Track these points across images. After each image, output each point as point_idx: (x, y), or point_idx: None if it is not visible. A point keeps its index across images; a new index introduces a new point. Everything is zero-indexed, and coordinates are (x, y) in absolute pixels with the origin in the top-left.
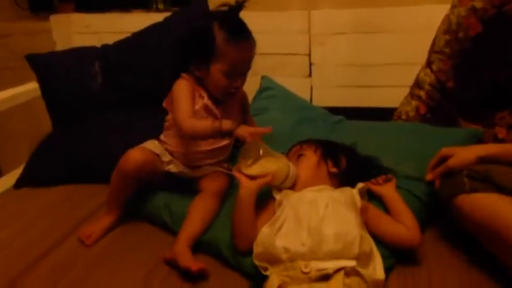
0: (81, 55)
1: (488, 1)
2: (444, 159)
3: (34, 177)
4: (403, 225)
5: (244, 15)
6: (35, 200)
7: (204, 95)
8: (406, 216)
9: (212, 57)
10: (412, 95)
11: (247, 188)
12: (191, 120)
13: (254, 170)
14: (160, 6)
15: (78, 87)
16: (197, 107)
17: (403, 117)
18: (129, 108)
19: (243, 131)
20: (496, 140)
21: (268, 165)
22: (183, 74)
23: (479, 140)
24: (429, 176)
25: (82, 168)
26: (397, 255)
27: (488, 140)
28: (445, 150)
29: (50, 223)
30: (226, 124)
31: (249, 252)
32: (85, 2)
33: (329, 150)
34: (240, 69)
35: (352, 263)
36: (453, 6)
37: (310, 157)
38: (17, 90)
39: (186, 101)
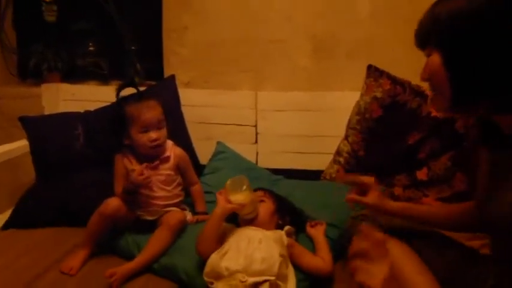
0: (67, 119)
1: (385, 92)
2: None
3: (20, 220)
4: (321, 259)
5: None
6: (20, 240)
7: (133, 161)
8: (324, 252)
9: (129, 125)
10: (334, 160)
11: (223, 207)
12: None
13: (234, 197)
14: (136, 80)
15: (63, 146)
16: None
17: (328, 177)
18: (106, 166)
19: None
20: (393, 196)
21: (244, 197)
22: (117, 154)
23: None
24: (348, 197)
25: (62, 214)
26: (312, 280)
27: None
28: (365, 179)
29: (33, 259)
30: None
31: (204, 260)
32: (70, 73)
33: (282, 206)
34: (149, 125)
35: (273, 278)
36: (362, 95)
37: (269, 205)
38: (8, 147)
39: (116, 179)
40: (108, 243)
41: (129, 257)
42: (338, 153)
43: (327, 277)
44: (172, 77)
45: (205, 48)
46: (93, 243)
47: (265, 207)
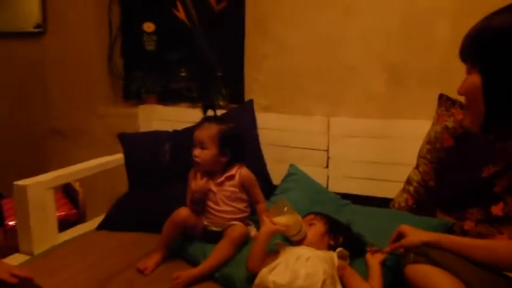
0: (157, 136)
1: (457, 122)
2: (401, 235)
3: (110, 223)
4: (370, 286)
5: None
6: (109, 241)
7: (198, 175)
8: (375, 281)
9: None
10: (404, 189)
11: (268, 229)
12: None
13: (278, 219)
14: (222, 103)
15: (151, 161)
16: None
17: (396, 206)
18: (188, 180)
19: None
20: (463, 231)
21: (288, 219)
22: (191, 170)
23: (449, 230)
24: (387, 249)
25: (147, 221)
26: None
27: (456, 231)
28: (401, 228)
29: (117, 258)
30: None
31: (254, 274)
32: (165, 96)
33: (333, 227)
34: (195, 141)
35: None
36: (433, 124)
37: (319, 227)
38: (108, 159)
39: (188, 191)
40: (179, 250)
41: (195, 264)
42: (408, 182)
43: None
44: (251, 102)
45: (282, 75)
46: (166, 248)
47: (315, 229)
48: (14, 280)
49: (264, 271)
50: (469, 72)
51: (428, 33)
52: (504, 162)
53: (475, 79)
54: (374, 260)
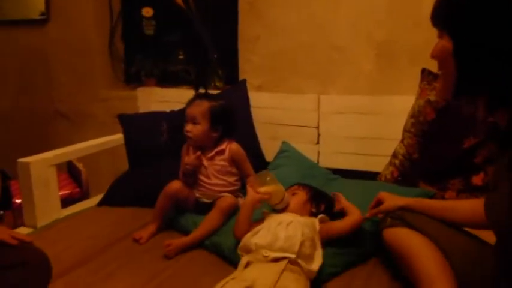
0: (154, 117)
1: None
2: (380, 202)
3: (111, 199)
4: (348, 218)
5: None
6: (109, 214)
7: (191, 150)
8: (351, 210)
9: None
10: (390, 162)
11: (252, 197)
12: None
13: (261, 188)
14: (218, 84)
15: (149, 140)
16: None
17: (382, 178)
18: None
19: None
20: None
21: (270, 188)
22: (184, 145)
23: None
24: (367, 215)
25: (145, 197)
26: (343, 269)
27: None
28: (380, 195)
29: (115, 229)
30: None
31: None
32: (163, 79)
33: (316, 196)
34: (187, 117)
35: (293, 256)
36: (416, 98)
37: (302, 196)
38: (108, 139)
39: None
40: (173, 222)
41: (187, 233)
42: (394, 155)
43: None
44: (244, 82)
45: (274, 56)
46: (160, 219)
47: (297, 198)
48: (14, 242)
49: (248, 235)
50: (440, 36)
51: (415, 11)
52: (484, 134)
53: (446, 44)
54: (345, 202)
